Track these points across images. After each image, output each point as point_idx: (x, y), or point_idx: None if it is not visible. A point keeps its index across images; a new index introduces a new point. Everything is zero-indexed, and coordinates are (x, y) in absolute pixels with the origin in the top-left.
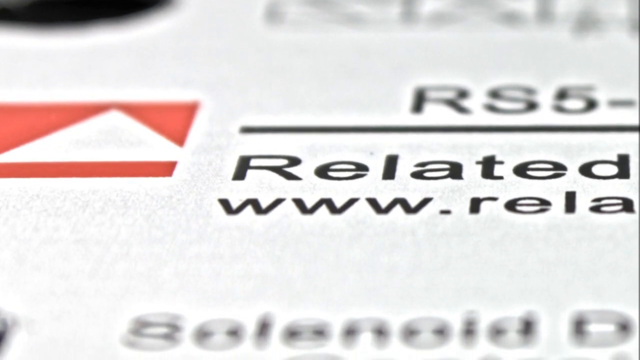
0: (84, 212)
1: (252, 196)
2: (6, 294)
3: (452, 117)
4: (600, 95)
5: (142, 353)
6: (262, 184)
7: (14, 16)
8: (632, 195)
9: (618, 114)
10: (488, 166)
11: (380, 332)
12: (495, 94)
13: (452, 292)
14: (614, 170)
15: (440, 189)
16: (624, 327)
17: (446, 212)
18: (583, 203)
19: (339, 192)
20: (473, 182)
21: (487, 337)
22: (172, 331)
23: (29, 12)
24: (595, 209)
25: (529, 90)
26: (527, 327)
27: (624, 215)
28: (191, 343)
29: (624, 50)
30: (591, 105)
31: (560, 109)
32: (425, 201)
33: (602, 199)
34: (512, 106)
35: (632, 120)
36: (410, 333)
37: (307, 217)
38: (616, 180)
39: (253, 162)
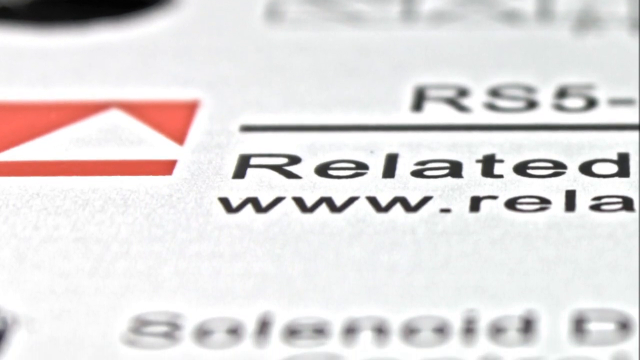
0: (84, 211)
1: (252, 195)
2: (6, 292)
3: (452, 116)
4: (600, 94)
5: (142, 351)
6: (262, 183)
7: (14, 14)
8: (632, 194)
9: (618, 113)
10: (488, 165)
11: (380, 331)
12: (495, 92)
13: (452, 290)
14: (614, 168)
15: (440, 188)
16: (624, 326)
17: (446, 210)
18: (583, 202)
19: (339, 190)
20: (473, 180)
21: (487, 336)
22: (172, 330)
23: (29, 10)
24: (595, 208)
25: (529, 89)
26: (527, 326)
27: (624, 214)
28: (191, 342)
29: (624, 48)
30: (591, 103)
31: (560, 108)
32: (425, 200)
33: (602, 198)
34: (512, 105)
35: (632, 119)
36: (410, 332)
37: (307, 215)
38: (616, 178)
39: (253, 161)
